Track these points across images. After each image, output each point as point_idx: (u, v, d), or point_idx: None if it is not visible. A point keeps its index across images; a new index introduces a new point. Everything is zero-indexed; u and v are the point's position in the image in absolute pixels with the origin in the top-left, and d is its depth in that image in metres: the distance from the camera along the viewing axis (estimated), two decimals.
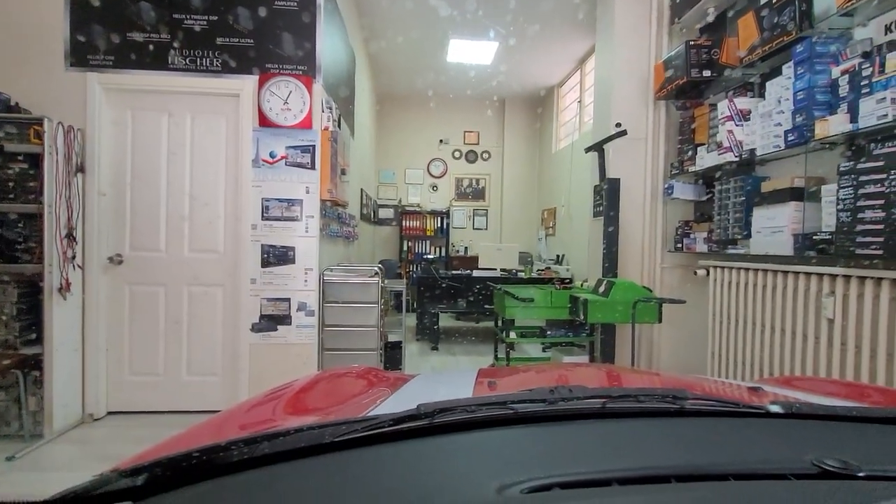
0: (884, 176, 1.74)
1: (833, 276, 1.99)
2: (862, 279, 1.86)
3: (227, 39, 2.78)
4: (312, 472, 0.48)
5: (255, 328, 2.84)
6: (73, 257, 2.57)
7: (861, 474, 0.44)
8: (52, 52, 2.68)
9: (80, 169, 2.65)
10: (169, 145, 2.83)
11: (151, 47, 2.74)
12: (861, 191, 1.82)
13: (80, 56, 2.71)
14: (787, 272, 2.22)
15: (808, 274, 2.11)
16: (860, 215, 1.82)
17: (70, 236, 2.55)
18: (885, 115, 1.71)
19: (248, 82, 2.80)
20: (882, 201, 1.74)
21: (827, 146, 2.10)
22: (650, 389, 0.69)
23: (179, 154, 2.83)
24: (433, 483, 0.45)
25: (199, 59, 2.78)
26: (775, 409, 0.63)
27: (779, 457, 0.50)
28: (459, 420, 0.57)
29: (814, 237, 2.09)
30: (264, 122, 2.80)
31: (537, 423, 0.59)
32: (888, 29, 1.87)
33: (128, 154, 2.81)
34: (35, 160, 2.42)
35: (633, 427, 0.59)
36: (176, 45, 2.75)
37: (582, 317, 2.77)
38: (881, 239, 1.74)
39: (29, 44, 2.68)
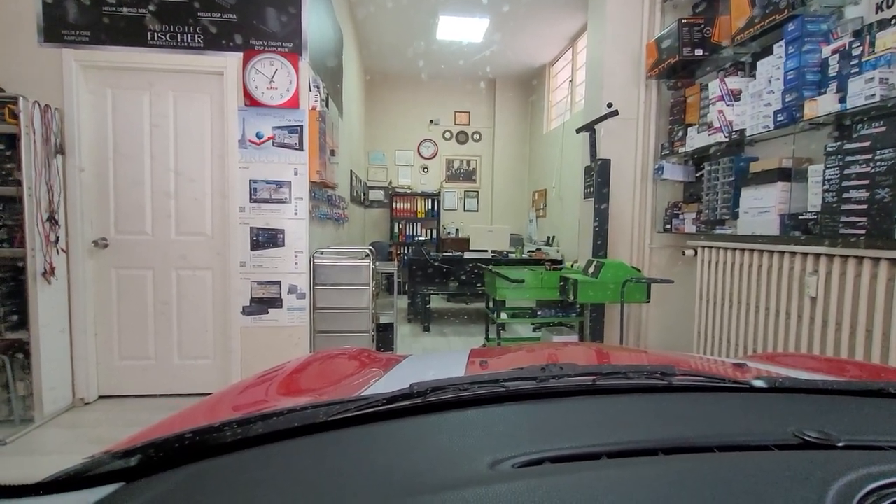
0: (869, 156, 1.76)
1: (817, 256, 2.03)
2: (844, 258, 1.90)
3: (210, 14, 2.69)
4: (306, 451, 0.49)
5: (246, 311, 2.83)
6: (57, 241, 2.52)
7: (840, 444, 0.46)
8: (23, 26, 2.57)
9: (60, 150, 2.57)
10: (151, 126, 2.75)
11: (130, 22, 2.64)
12: (847, 171, 1.84)
13: (54, 31, 2.60)
14: (773, 252, 2.26)
15: (792, 253, 2.15)
16: (845, 195, 1.85)
17: (52, 219, 2.49)
18: (874, 95, 1.72)
19: (232, 60, 2.72)
20: (867, 181, 1.77)
21: (816, 126, 2.12)
22: (639, 366, 0.71)
23: (163, 135, 2.76)
24: (427, 459, 0.45)
25: (180, 35, 2.68)
26: (759, 383, 0.64)
27: (762, 429, 0.52)
28: (452, 398, 0.58)
29: (799, 217, 2.12)
30: (250, 101, 2.73)
31: (528, 401, 0.60)
32: (879, 7, 1.87)
33: (109, 135, 2.72)
34: (11, 141, 2.34)
35: (622, 403, 0.60)
36: (155, 19, 2.65)
37: (572, 297, 2.80)
38: (865, 219, 1.77)
39: None
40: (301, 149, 2.80)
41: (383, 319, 3.48)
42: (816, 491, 0.36)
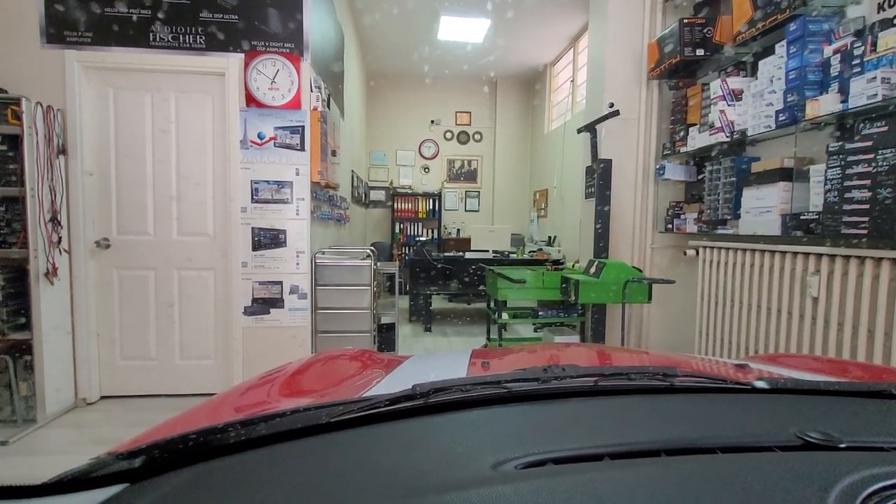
0: (871, 156, 1.76)
1: (818, 256, 2.02)
2: (846, 258, 1.90)
3: (211, 15, 2.69)
4: (310, 452, 0.49)
5: (248, 311, 2.83)
6: (59, 241, 2.52)
7: (842, 445, 0.46)
8: (26, 27, 2.58)
9: (62, 150, 2.58)
10: (153, 126, 2.76)
11: (132, 23, 2.64)
12: (849, 171, 1.84)
13: (57, 32, 2.60)
14: (775, 252, 2.26)
15: (794, 253, 2.15)
16: (847, 195, 1.85)
17: (55, 220, 2.49)
18: (875, 95, 1.72)
19: (234, 60, 2.72)
20: (869, 181, 1.76)
21: (817, 126, 2.11)
22: (641, 367, 0.71)
23: (164, 136, 2.77)
24: (430, 460, 0.46)
25: (181, 36, 2.69)
26: (761, 384, 0.64)
27: (764, 430, 0.52)
28: (455, 399, 0.58)
29: (801, 217, 2.12)
30: (251, 101, 2.74)
31: (531, 402, 0.60)
32: (881, 7, 1.86)
33: (111, 135, 2.73)
34: (14, 142, 2.34)
35: (625, 404, 0.60)
36: (157, 20, 2.66)
37: (573, 297, 2.80)
38: (866, 219, 1.77)
39: (1, 19, 2.57)
40: (302, 149, 2.81)
41: (385, 320, 3.48)
42: (819, 492, 0.36)
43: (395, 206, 6.98)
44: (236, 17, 2.71)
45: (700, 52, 2.76)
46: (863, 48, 1.80)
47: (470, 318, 5.34)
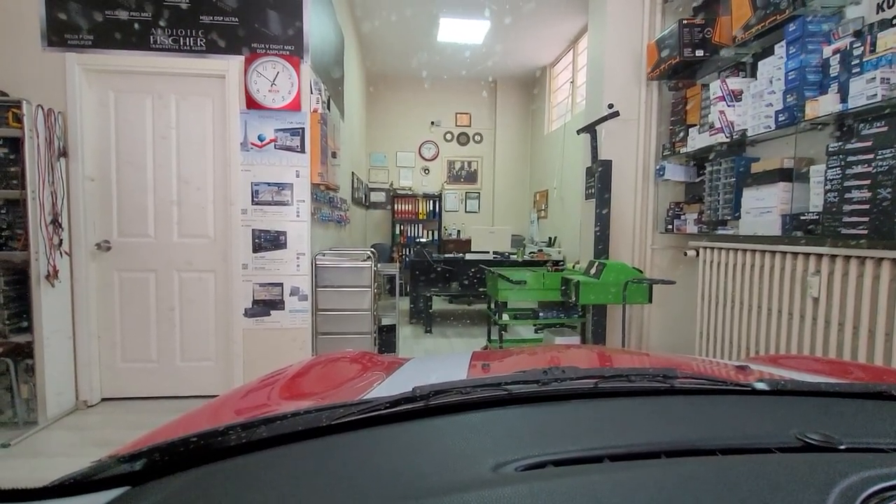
0: (871, 156, 1.76)
1: (819, 256, 2.02)
2: (847, 258, 1.90)
3: (212, 18, 2.70)
4: (310, 454, 0.49)
5: (249, 313, 2.83)
6: (60, 244, 2.53)
7: (842, 447, 0.46)
8: (27, 31, 2.58)
9: (63, 153, 2.59)
10: (154, 128, 2.76)
11: (133, 26, 2.65)
12: (848, 171, 1.84)
13: (58, 35, 2.61)
14: (775, 252, 2.26)
15: (794, 254, 2.15)
16: (847, 195, 1.85)
17: (55, 223, 2.50)
18: (875, 95, 1.72)
19: (234, 63, 2.73)
20: (868, 181, 1.76)
21: (817, 127, 2.11)
22: (641, 369, 0.71)
23: (165, 137, 2.77)
24: (430, 463, 0.46)
25: (182, 39, 2.69)
26: (761, 386, 0.64)
27: (764, 432, 0.52)
28: (454, 401, 0.58)
29: (801, 217, 2.12)
30: (252, 104, 2.74)
31: (531, 404, 0.60)
32: (880, 7, 1.87)
33: (111, 137, 2.74)
34: (15, 144, 2.35)
35: (625, 406, 0.60)
36: (158, 23, 2.66)
37: (574, 298, 2.80)
38: (866, 219, 1.77)
39: (2, 22, 2.57)
40: (303, 151, 2.81)
41: (385, 321, 3.48)
42: (819, 493, 0.36)
43: (396, 207, 6.98)
44: (236, 19, 2.72)
45: (699, 52, 2.76)
46: (862, 48, 1.81)
47: (470, 320, 5.34)
